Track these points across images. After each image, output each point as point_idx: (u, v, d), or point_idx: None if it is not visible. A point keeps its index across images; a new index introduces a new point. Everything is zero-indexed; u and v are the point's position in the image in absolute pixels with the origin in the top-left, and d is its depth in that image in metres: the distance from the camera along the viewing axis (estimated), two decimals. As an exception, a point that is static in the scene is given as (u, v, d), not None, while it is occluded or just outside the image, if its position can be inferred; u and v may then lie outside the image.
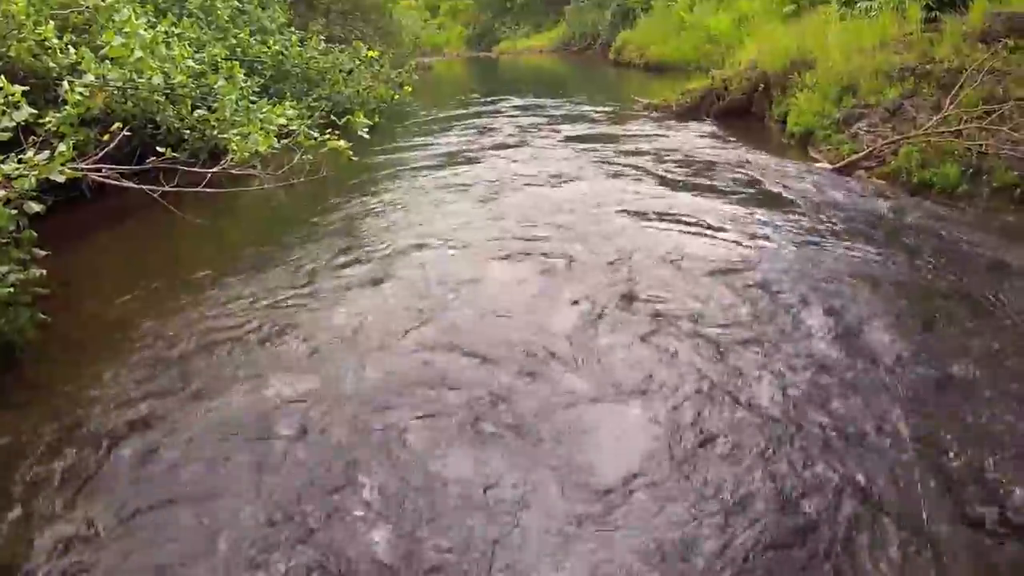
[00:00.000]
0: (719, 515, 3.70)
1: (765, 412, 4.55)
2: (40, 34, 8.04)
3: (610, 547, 3.54)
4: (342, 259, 7.72)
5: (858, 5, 15.15)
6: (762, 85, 14.75)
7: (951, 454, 4.05)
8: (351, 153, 7.78)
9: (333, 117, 9.19)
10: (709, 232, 7.93)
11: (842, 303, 6.00)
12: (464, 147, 14.08)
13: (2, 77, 6.11)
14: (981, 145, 8.64)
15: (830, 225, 7.99)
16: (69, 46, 8.15)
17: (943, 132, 9.16)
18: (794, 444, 4.21)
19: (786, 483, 3.89)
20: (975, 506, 3.68)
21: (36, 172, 5.46)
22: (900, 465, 3.98)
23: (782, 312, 5.94)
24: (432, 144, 14.82)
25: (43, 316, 5.70)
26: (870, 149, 9.90)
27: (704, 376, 4.98)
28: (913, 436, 4.22)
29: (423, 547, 3.60)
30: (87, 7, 9.27)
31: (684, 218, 8.44)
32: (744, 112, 15.05)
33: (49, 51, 8.19)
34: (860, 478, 3.89)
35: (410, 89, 16.56)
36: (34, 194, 5.57)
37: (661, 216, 8.57)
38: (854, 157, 10.02)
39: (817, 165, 10.58)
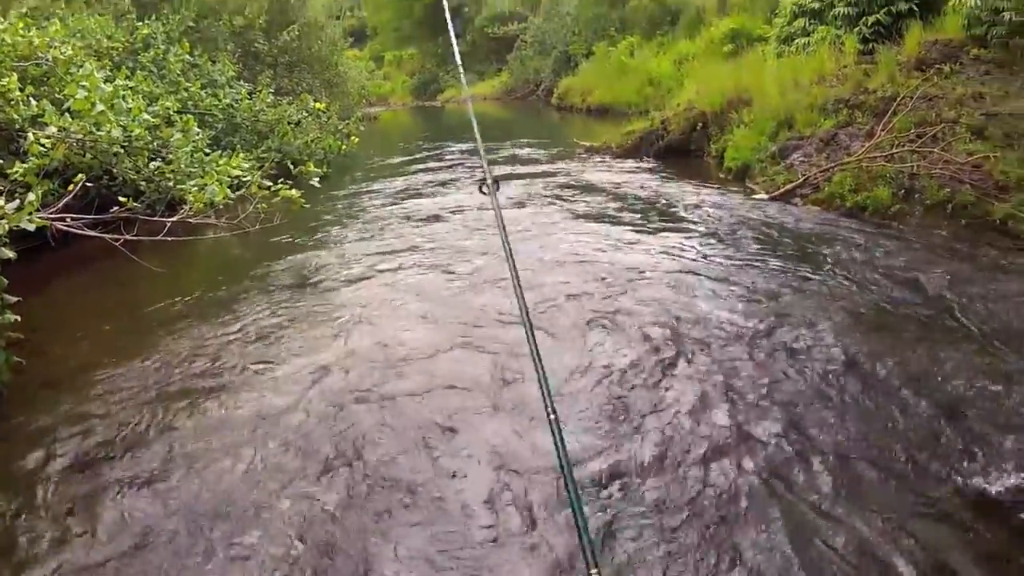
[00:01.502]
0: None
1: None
2: (3, 85, 8.18)
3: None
4: (293, 304, 8.01)
5: (795, 42, 15.61)
6: (700, 124, 15.16)
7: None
8: (303, 201, 7.95)
9: (288, 166, 9.35)
10: (638, 252, 8.56)
11: (766, 315, 6.35)
12: (409, 193, 14.36)
13: (-33, 129, 6.28)
14: (913, 167, 9.03)
15: (756, 245, 8.40)
16: (30, 98, 8.30)
17: (875, 157, 9.57)
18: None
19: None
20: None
21: (6, 221, 5.63)
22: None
23: (706, 322, 6.35)
24: (379, 191, 15.09)
25: (17, 359, 5.87)
26: (804, 178, 10.30)
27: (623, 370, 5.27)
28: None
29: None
30: (46, 59, 9.42)
31: (614, 242, 9.07)
32: (683, 151, 15.42)
33: (11, 103, 8.33)
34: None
35: (357, 139, 16.71)
36: (6, 240, 5.74)
37: (592, 238, 9.27)
38: (789, 186, 10.41)
39: (755, 196, 10.91)
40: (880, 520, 3.80)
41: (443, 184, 15.47)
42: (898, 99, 10.60)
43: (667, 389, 5.33)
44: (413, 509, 4.23)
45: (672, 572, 3.62)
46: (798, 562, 3.59)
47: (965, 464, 4.20)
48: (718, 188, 12.00)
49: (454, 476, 4.52)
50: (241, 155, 8.98)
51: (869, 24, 14.01)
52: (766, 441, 4.60)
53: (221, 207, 7.76)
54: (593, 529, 3.87)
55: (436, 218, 11.63)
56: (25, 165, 6.58)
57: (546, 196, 12.74)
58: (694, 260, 8.24)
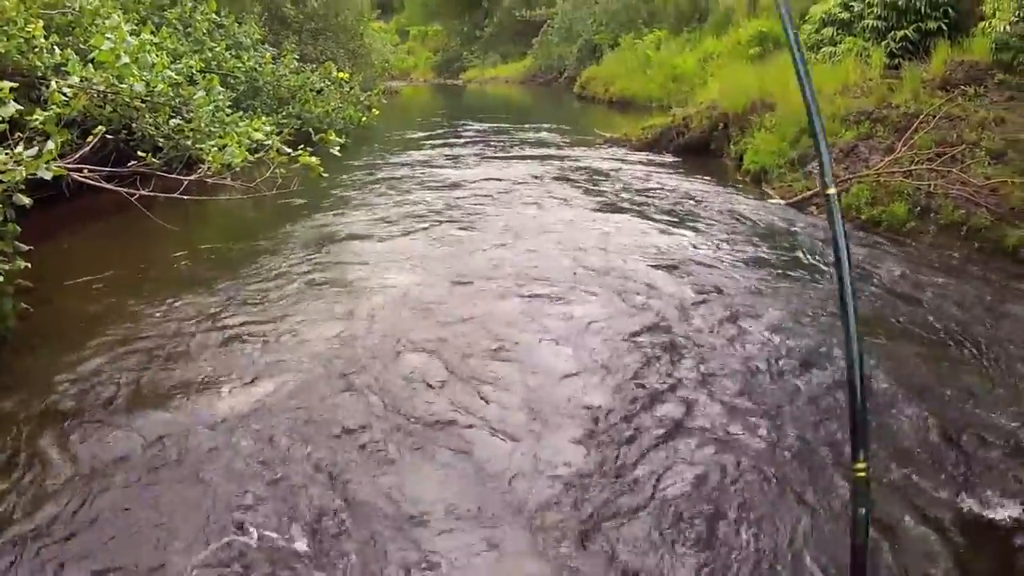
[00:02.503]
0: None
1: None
2: (29, 32, 8.18)
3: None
4: (304, 269, 8.04)
5: (822, 51, 15.56)
6: (722, 124, 15.10)
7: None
8: (322, 169, 7.96)
9: (307, 132, 9.35)
10: (650, 250, 8.50)
11: (776, 324, 6.36)
12: (429, 168, 14.43)
13: (-9, 72, 6.28)
14: (930, 185, 9.00)
15: (770, 251, 8.39)
16: (55, 46, 8.30)
17: (894, 172, 9.54)
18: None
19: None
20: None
21: (23, 167, 5.64)
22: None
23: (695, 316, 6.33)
24: (397, 163, 15.18)
25: (25, 306, 5.89)
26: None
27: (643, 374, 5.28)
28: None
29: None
30: (72, 9, 9.42)
31: (628, 239, 9.03)
32: (703, 149, 15.37)
33: (36, 50, 8.33)
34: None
35: (378, 112, 16.71)
36: (22, 188, 5.75)
37: (605, 230, 9.33)
38: (806, 193, 10.39)
39: (770, 201, 10.90)
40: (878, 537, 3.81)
41: (461, 159, 15.78)
42: (920, 116, 10.56)
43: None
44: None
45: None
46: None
47: (965, 487, 4.19)
48: (734, 189, 12.01)
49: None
50: (263, 119, 8.99)
51: (897, 39, 13.97)
52: (757, 448, 4.60)
53: (238, 169, 7.77)
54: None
55: (455, 186, 11.80)
56: (45, 113, 6.58)
57: (559, 178, 13.09)
58: (700, 254, 8.35)
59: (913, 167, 9.47)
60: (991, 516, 3.96)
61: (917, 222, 8.83)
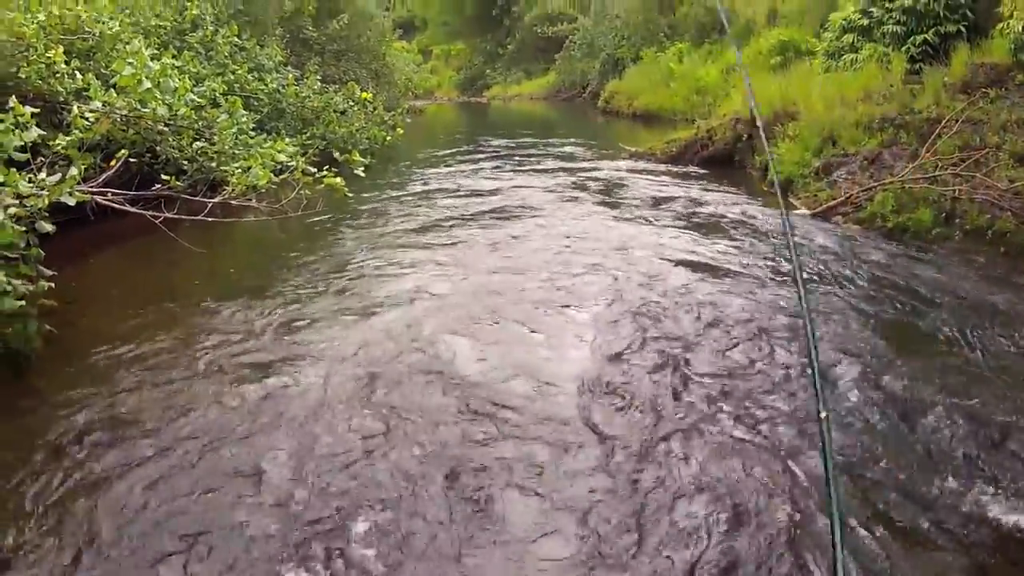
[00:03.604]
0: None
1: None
2: (49, 58, 8.27)
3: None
4: (331, 291, 8.01)
5: (843, 58, 15.48)
6: (746, 135, 15.05)
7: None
8: (346, 189, 7.97)
9: (332, 154, 9.37)
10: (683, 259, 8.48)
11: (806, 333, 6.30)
12: (455, 186, 14.43)
13: (13, 98, 6.32)
14: (955, 190, 8.94)
15: (801, 262, 8.33)
16: (76, 71, 8.38)
17: (918, 179, 9.47)
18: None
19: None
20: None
21: (48, 193, 5.69)
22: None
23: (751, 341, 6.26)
24: (423, 182, 15.21)
25: (50, 329, 5.92)
26: (847, 195, 10.21)
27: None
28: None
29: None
30: (93, 34, 9.52)
31: (661, 251, 9.00)
32: (727, 161, 15.35)
33: (57, 75, 8.42)
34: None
35: (402, 131, 16.77)
36: (45, 214, 5.80)
37: (639, 246, 9.23)
38: (832, 203, 10.33)
39: (796, 212, 10.84)
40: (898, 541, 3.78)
41: (488, 174, 15.88)
42: (943, 121, 10.50)
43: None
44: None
45: None
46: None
47: (988, 492, 4.14)
48: (760, 200, 11.95)
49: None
50: (286, 140, 9.04)
51: (917, 44, 13.85)
52: (791, 454, 4.56)
53: (263, 191, 7.81)
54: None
55: (478, 213, 11.77)
56: (68, 138, 6.64)
57: (588, 191, 13.26)
58: (725, 265, 8.31)
59: (937, 172, 9.41)
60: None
61: (943, 228, 8.77)
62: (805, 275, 7.84)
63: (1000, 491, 4.17)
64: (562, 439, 4.86)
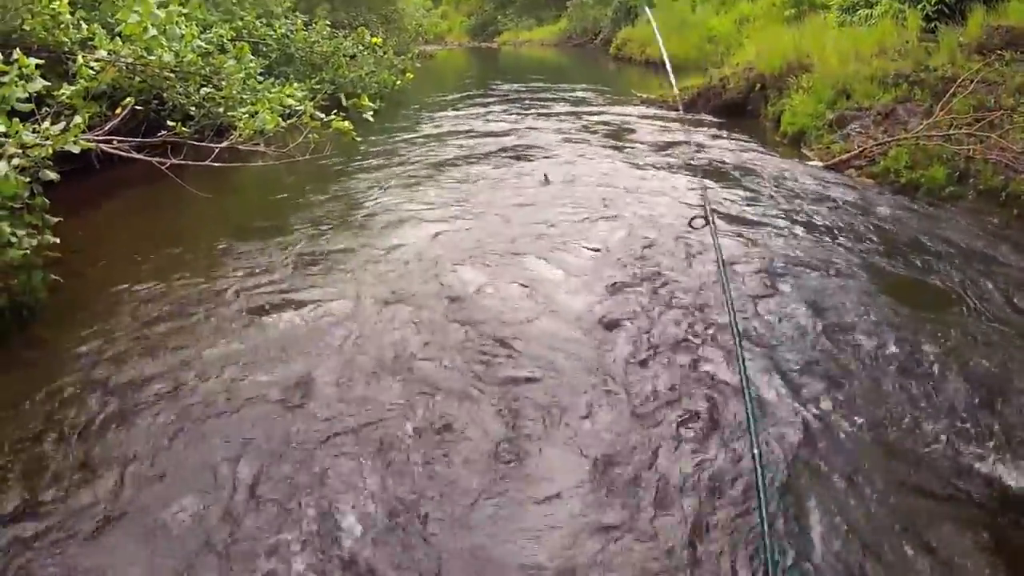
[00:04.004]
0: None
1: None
2: (54, 9, 8.19)
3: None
4: (347, 229, 8.16)
5: (858, 13, 15.30)
6: (759, 85, 14.95)
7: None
8: (355, 134, 7.92)
9: (340, 98, 9.31)
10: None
11: (813, 287, 6.28)
12: (467, 130, 14.43)
13: (17, 50, 6.25)
14: (969, 150, 8.85)
15: (812, 214, 8.29)
16: (81, 21, 8.30)
17: (932, 136, 9.37)
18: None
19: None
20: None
21: (52, 142, 5.63)
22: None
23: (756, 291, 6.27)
24: (432, 126, 15.17)
25: (55, 278, 5.90)
26: (861, 149, 10.12)
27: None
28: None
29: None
30: (97, -18, 9.43)
31: (673, 193, 9.28)
32: (740, 110, 15.27)
33: (62, 26, 8.34)
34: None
35: (412, 76, 16.68)
36: (49, 163, 5.75)
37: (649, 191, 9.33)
38: (845, 156, 10.24)
39: (809, 163, 10.78)
40: (905, 501, 3.78)
41: (498, 118, 15.94)
42: (958, 80, 10.38)
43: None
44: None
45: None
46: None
47: (993, 454, 4.12)
48: (772, 150, 11.90)
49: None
50: (295, 85, 8.96)
51: (932, 2, 13.67)
52: (796, 409, 4.54)
53: (271, 136, 7.76)
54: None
55: (488, 153, 11.85)
56: (73, 88, 6.58)
57: (598, 134, 13.45)
58: (737, 216, 8.28)
59: (952, 131, 9.30)
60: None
61: (956, 187, 8.68)
62: (818, 223, 7.81)
63: (991, 446, 4.17)
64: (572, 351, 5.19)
